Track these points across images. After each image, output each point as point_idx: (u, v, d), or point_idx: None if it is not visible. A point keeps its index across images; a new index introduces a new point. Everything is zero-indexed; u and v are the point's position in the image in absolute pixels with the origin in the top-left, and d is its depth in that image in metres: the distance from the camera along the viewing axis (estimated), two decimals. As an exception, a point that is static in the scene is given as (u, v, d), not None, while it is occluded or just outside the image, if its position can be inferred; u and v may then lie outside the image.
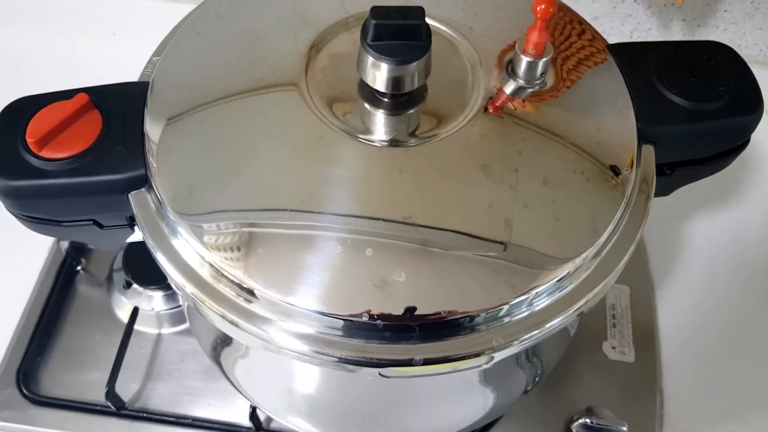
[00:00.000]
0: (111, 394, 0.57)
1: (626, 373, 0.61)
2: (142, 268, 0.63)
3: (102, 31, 0.83)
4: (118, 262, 0.65)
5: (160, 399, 0.60)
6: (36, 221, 0.42)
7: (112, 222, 0.43)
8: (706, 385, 0.61)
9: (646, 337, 0.63)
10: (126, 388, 0.60)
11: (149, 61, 0.45)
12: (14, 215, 0.42)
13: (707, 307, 0.64)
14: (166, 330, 0.63)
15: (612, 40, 0.75)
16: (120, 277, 0.64)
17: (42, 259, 0.66)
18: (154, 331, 0.63)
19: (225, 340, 0.48)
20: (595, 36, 0.47)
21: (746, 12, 0.71)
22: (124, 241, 0.45)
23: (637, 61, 0.45)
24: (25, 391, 0.59)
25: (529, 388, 0.53)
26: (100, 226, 0.43)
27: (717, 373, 0.61)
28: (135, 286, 0.63)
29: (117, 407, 0.58)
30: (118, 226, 0.43)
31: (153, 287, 0.63)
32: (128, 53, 0.79)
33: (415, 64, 0.38)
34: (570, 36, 0.48)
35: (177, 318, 0.63)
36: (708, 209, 0.69)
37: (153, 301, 0.63)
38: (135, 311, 0.61)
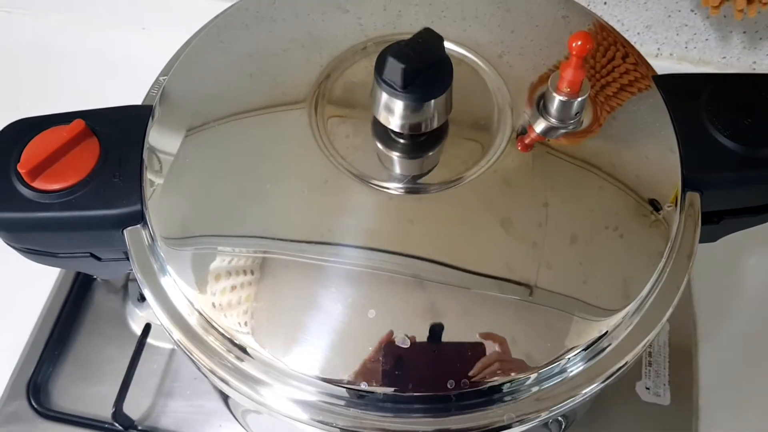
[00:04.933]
0: (118, 414, 0.55)
1: (660, 416, 0.57)
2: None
3: (132, 25, 0.81)
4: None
5: (170, 418, 0.58)
6: (31, 252, 0.40)
7: (110, 255, 0.40)
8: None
9: (683, 379, 0.58)
10: (137, 404, 0.58)
11: (155, 81, 0.43)
12: (8, 245, 0.40)
13: (752, 350, 0.59)
14: (180, 345, 0.61)
15: (666, 51, 0.70)
16: (135, 287, 0.62)
17: (59, 265, 0.65)
18: (168, 346, 0.61)
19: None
20: (639, 61, 0.43)
21: (816, 25, 0.65)
22: (124, 272, 0.43)
23: (686, 96, 0.40)
24: (34, 404, 0.57)
25: (554, 435, 0.49)
26: (98, 258, 0.41)
27: (758, 422, 0.57)
28: (149, 299, 0.61)
29: (125, 427, 0.56)
30: (117, 259, 0.41)
31: (167, 302, 0.61)
32: (158, 48, 0.77)
33: (433, 103, 0.34)
34: (613, 59, 0.43)
35: (191, 334, 0.61)
36: (762, 247, 0.63)
37: (167, 315, 0.61)
38: (147, 328, 0.59)
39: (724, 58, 0.69)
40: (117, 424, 0.56)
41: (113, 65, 0.80)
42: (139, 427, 0.57)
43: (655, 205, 0.36)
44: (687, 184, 0.38)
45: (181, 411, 0.58)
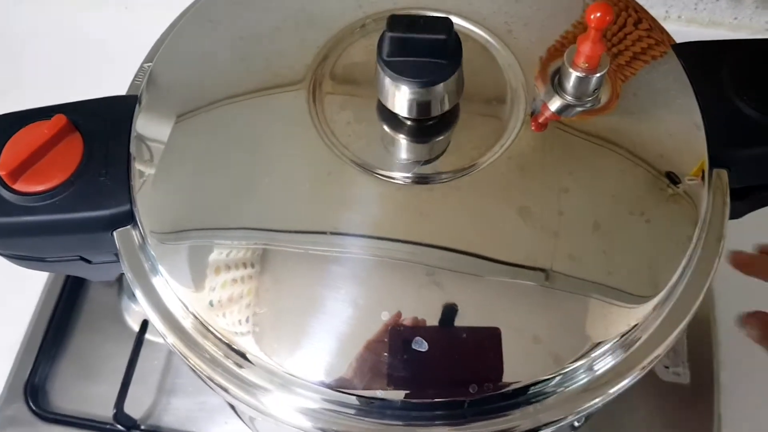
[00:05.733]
0: (120, 415, 0.53)
1: (680, 396, 0.55)
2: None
3: (114, 4, 0.78)
4: (129, 266, 0.61)
5: (174, 416, 0.56)
6: (17, 258, 0.38)
7: (101, 258, 0.38)
8: (769, 410, 0.55)
9: (703, 357, 0.56)
10: (138, 403, 0.56)
11: (140, 68, 0.40)
12: (-8, 252, 0.37)
13: (774, 324, 0.57)
14: (180, 339, 0.59)
15: (674, 13, 0.67)
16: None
17: (50, 261, 0.62)
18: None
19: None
20: (656, 28, 0.40)
21: (832, -20, 0.62)
22: (117, 274, 0.40)
23: (708, 65, 0.38)
24: (33, 406, 0.55)
25: (577, 425, 0.48)
26: (88, 261, 0.38)
27: (782, 398, 0.55)
28: (145, 293, 0.59)
29: (127, 427, 0.54)
30: (109, 262, 0.38)
31: (164, 295, 0.58)
32: (141, 27, 0.74)
33: (443, 85, 0.31)
34: (625, 26, 0.41)
35: (191, 327, 0.59)
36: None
37: (165, 309, 0.58)
38: (145, 324, 0.57)
39: (736, 19, 0.66)
40: (119, 425, 0.54)
41: (94, 47, 0.76)
42: (142, 427, 0.55)
43: (681, 186, 0.34)
44: (713, 161, 0.35)
45: (184, 408, 0.56)
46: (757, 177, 0.38)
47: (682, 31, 0.67)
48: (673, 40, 0.39)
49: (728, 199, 0.35)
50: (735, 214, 0.41)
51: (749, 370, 0.56)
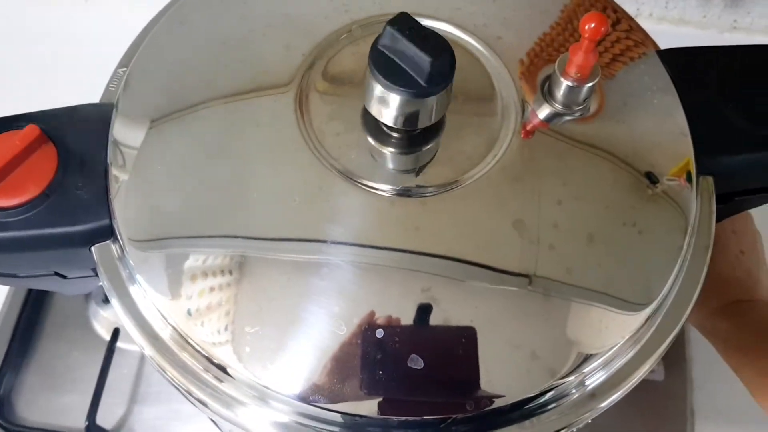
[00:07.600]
0: (92, 427, 0.52)
1: (655, 392, 0.56)
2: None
3: (74, -2, 0.75)
4: (96, 272, 0.59)
5: (146, 425, 0.55)
6: (-14, 274, 0.36)
7: (77, 273, 0.36)
8: (740, 405, 0.56)
9: (676, 353, 0.57)
10: (109, 413, 0.55)
11: (114, 74, 0.38)
12: (-40, 268, 0.35)
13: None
14: (152, 346, 0.57)
15: (645, 11, 0.68)
16: (99, 288, 0.58)
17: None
18: (138, 348, 0.57)
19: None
20: (633, 27, 0.40)
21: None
22: (93, 287, 0.39)
23: (694, 72, 0.38)
24: (-1, 419, 0.54)
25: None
26: (63, 276, 0.37)
27: (753, 392, 0.56)
28: (115, 300, 0.57)
29: (99, 438, 0.53)
30: (84, 276, 0.37)
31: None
32: (103, 22, 0.71)
33: (435, 96, 0.31)
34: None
35: (163, 334, 0.57)
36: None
37: (136, 315, 0.57)
38: (116, 333, 0.55)
39: (705, 17, 0.67)
40: (91, 437, 0.52)
41: (52, 44, 0.73)
42: (114, 438, 0.54)
43: (670, 195, 0.34)
44: (700, 168, 0.35)
45: (158, 417, 0.55)
46: (742, 183, 0.38)
47: (652, 29, 0.67)
48: (658, 46, 0.39)
49: (714, 207, 0.35)
50: (718, 218, 0.42)
51: (720, 366, 0.57)
